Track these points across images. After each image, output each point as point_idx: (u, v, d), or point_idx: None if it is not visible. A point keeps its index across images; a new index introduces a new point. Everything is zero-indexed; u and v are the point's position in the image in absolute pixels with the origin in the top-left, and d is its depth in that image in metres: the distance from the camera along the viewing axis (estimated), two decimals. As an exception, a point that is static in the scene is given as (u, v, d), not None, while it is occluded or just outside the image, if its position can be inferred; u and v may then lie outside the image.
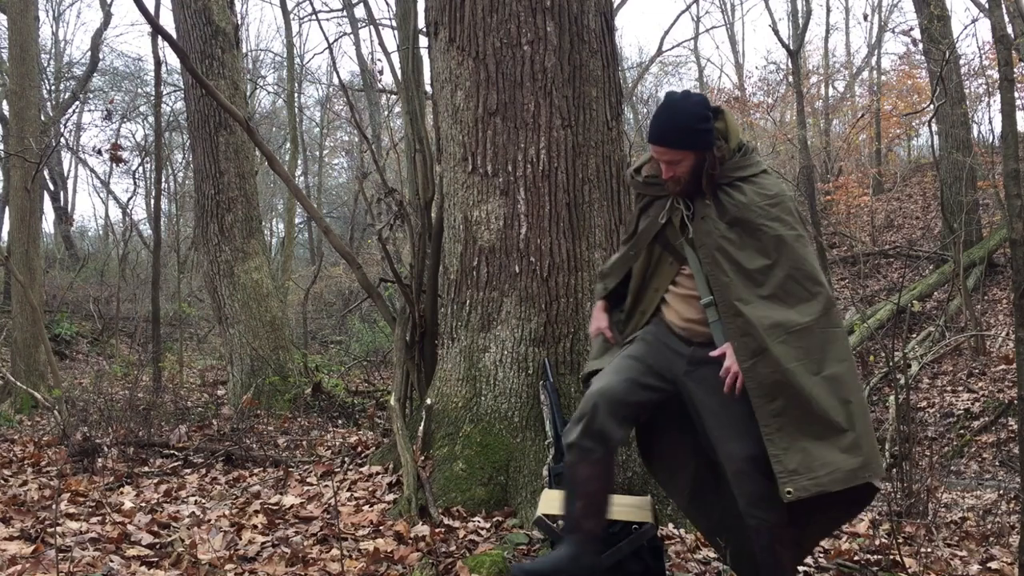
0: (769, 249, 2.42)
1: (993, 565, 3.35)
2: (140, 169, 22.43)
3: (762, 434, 2.33)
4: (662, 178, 2.49)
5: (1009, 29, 8.22)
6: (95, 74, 20.53)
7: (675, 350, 2.56)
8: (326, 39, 6.42)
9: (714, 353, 2.44)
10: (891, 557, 3.30)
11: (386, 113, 20.93)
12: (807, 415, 2.31)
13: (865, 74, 24.39)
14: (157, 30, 5.18)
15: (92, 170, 27.34)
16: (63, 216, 21.53)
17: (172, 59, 18.99)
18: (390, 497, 3.78)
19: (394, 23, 12.75)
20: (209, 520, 3.52)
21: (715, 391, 2.46)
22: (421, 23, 5.36)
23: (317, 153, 26.88)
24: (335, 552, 3.09)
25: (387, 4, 26.18)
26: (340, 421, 7.42)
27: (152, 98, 14.78)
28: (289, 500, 3.84)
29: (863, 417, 2.39)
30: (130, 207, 23.02)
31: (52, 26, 28.32)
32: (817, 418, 2.31)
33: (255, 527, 3.45)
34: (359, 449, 5.24)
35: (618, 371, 2.55)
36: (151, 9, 9.80)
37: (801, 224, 2.53)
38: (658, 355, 2.57)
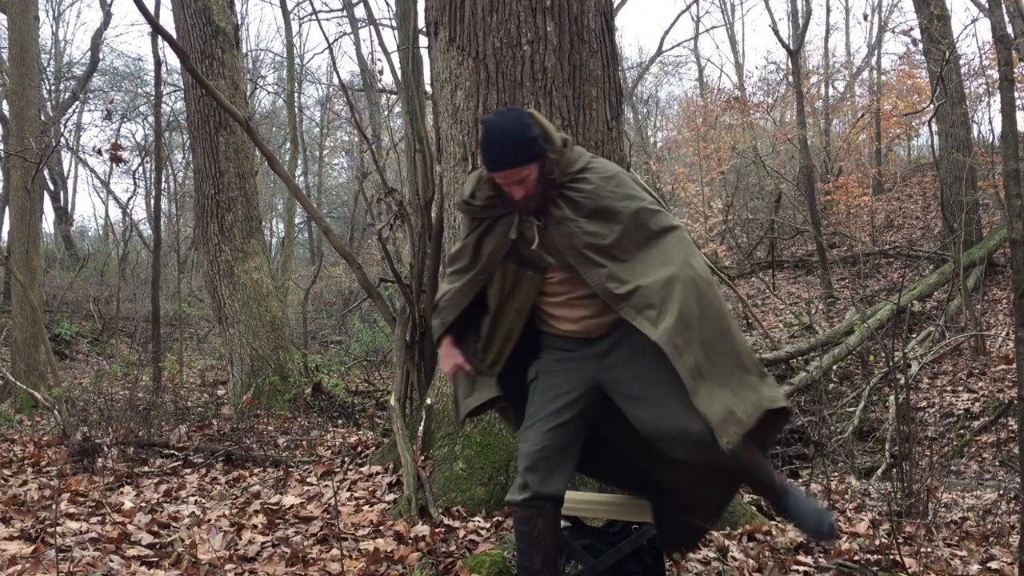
0: (631, 227, 2.42)
1: (993, 565, 3.34)
2: (140, 169, 22.47)
3: (689, 393, 2.27)
4: (514, 199, 2.42)
5: (1009, 29, 8.22)
6: (95, 74, 20.56)
7: (582, 357, 2.51)
8: (326, 39, 6.43)
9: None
10: (891, 557, 3.30)
11: (386, 113, 20.95)
12: (717, 360, 2.31)
13: (865, 74, 24.41)
14: (157, 30, 5.18)
15: (92, 170, 27.40)
16: (63, 216, 21.54)
17: (172, 59, 19.01)
18: (390, 497, 3.78)
19: (394, 23, 12.76)
20: (209, 520, 3.52)
21: (635, 360, 2.42)
22: (421, 23, 5.36)
23: (317, 153, 26.90)
24: (335, 552, 3.09)
25: (387, 4, 26.20)
26: (340, 421, 7.42)
27: (152, 98, 14.80)
28: (289, 500, 3.84)
29: (747, 351, 2.41)
30: (130, 207, 23.05)
31: (52, 26, 28.37)
32: (725, 361, 2.33)
33: (255, 527, 3.45)
34: (359, 449, 5.25)
35: (541, 421, 2.48)
36: (151, 9, 9.80)
37: (644, 189, 2.53)
38: (568, 376, 2.51)
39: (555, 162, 2.42)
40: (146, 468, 4.75)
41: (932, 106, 10.98)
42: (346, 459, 4.87)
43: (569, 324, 2.52)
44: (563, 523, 2.86)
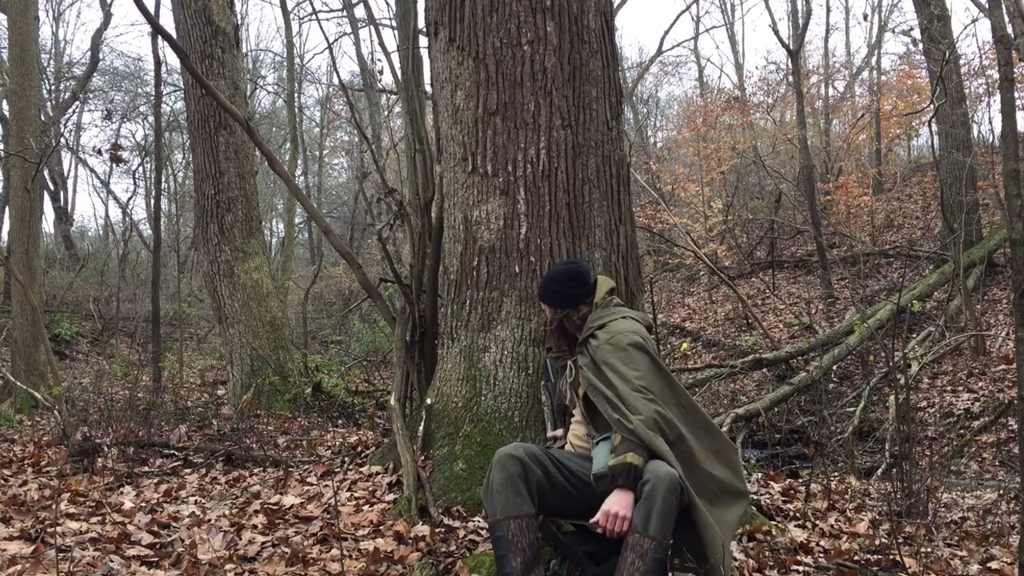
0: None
1: (993, 565, 3.34)
2: (140, 169, 22.48)
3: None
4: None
5: (1009, 29, 8.22)
6: (95, 74, 20.57)
7: None
8: (326, 39, 6.41)
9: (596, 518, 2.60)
10: (891, 557, 3.30)
11: (386, 113, 20.94)
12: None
13: (865, 74, 24.42)
14: (157, 30, 5.17)
15: (92, 170, 27.47)
16: (63, 216, 21.55)
17: (172, 59, 19.05)
18: (390, 497, 3.78)
19: (394, 23, 12.77)
20: (209, 520, 3.51)
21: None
22: (421, 23, 5.36)
23: (317, 153, 26.91)
24: (335, 552, 3.09)
25: (387, 4, 26.23)
26: (340, 421, 7.42)
27: (152, 98, 14.80)
28: (289, 500, 3.84)
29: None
30: (130, 207, 23.12)
31: (52, 26, 28.52)
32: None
33: (255, 527, 3.45)
34: (359, 449, 5.24)
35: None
36: (151, 9, 9.80)
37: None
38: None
39: (579, 317, 3.02)
40: (146, 468, 4.74)
41: (932, 106, 10.97)
42: (346, 459, 4.87)
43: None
44: (569, 526, 2.86)
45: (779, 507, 4.05)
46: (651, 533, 2.38)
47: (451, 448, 3.73)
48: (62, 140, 19.94)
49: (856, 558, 3.31)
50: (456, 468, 3.64)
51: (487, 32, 3.77)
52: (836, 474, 5.70)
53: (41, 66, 17.95)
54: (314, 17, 25.22)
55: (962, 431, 8.11)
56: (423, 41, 6.01)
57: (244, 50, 15.18)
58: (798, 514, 3.96)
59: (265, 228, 17.34)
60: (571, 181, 3.75)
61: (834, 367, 9.89)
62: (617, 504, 2.51)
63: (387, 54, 5.76)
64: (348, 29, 23.26)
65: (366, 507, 3.70)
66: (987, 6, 9.65)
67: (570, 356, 3.07)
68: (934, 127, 12.88)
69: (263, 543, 3.22)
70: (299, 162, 21.30)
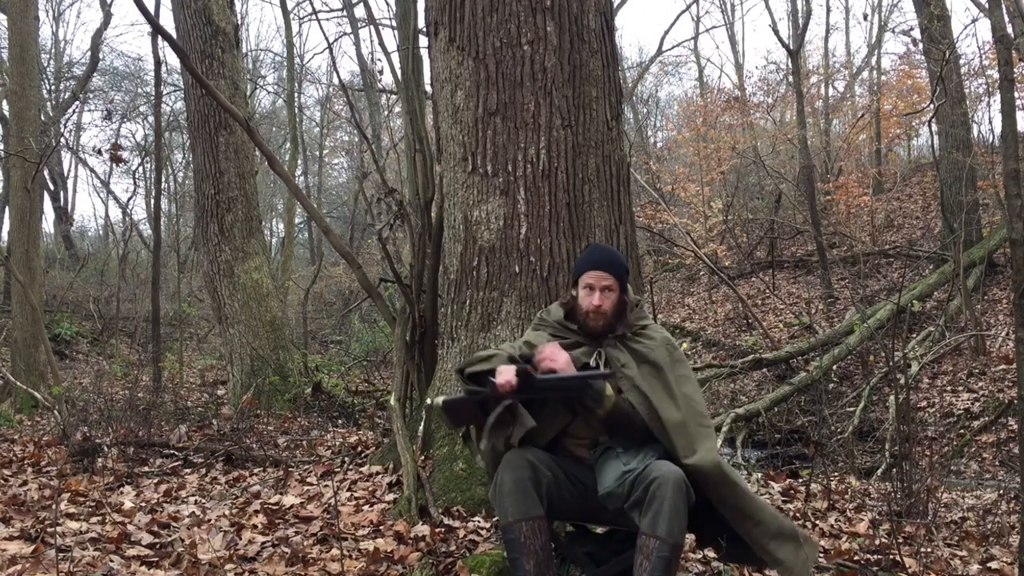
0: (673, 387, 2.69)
1: (993, 565, 3.35)
2: (140, 169, 22.48)
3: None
4: (593, 304, 2.70)
5: (1009, 29, 8.21)
6: (95, 74, 20.55)
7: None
8: (326, 39, 6.41)
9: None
10: (891, 557, 3.30)
11: (386, 113, 20.93)
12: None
13: (865, 74, 24.41)
14: (157, 30, 5.17)
15: (92, 170, 27.46)
16: (63, 216, 21.54)
17: (172, 59, 19.05)
18: (390, 497, 3.78)
19: (394, 23, 12.78)
20: (209, 520, 3.51)
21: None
22: (421, 23, 5.36)
23: (317, 153, 26.90)
24: (335, 552, 3.09)
25: (387, 4, 26.23)
26: (340, 421, 7.43)
27: (152, 98, 14.80)
28: (289, 500, 3.84)
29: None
30: (130, 207, 23.10)
31: (52, 26, 28.49)
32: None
33: (255, 527, 3.45)
34: (359, 449, 5.25)
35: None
36: (151, 9, 9.80)
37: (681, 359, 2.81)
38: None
39: (630, 308, 2.77)
40: (146, 468, 4.74)
41: (932, 106, 10.97)
42: (346, 459, 4.87)
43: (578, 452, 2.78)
44: (568, 528, 2.85)
45: (779, 507, 4.04)
46: (658, 533, 2.37)
47: (451, 448, 3.73)
48: (62, 140, 19.95)
49: (856, 558, 3.31)
50: (456, 468, 3.65)
51: (487, 32, 3.77)
52: (836, 474, 5.70)
53: (41, 66, 17.94)
54: (314, 17, 25.20)
55: (962, 431, 8.10)
56: (423, 41, 6.02)
57: (244, 50, 15.18)
58: (798, 514, 3.96)
59: (265, 228, 17.34)
60: (571, 181, 3.76)
61: (834, 367, 9.89)
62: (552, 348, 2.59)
63: (387, 54, 5.77)
64: (348, 29, 23.26)
65: (366, 507, 3.70)
66: (987, 6, 9.65)
67: (593, 345, 2.76)
68: (934, 127, 12.88)
69: (263, 543, 3.22)
70: (299, 162, 21.29)
